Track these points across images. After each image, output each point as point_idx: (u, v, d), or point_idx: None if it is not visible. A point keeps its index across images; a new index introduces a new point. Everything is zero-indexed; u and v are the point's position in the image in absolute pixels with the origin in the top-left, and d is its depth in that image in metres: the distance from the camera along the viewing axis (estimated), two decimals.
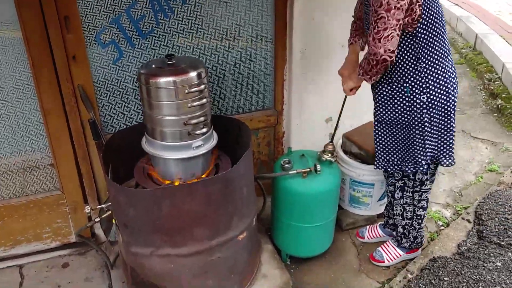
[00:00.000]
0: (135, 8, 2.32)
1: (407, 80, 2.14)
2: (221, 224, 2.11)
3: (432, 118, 2.17)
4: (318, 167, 2.37)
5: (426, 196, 2.44)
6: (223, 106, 2.77)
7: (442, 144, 2.26)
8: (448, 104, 2.16)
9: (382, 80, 2.23)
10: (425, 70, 2.10)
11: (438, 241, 2.69)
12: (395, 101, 2.21)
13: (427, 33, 2.04)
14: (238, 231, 2.19)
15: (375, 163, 2.46)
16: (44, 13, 2.15)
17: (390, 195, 2.56)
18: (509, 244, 2.66)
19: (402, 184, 2.47)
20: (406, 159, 2.32)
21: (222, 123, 2.34)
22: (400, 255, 2.64)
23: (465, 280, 2.40)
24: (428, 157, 2.25)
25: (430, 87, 2.12)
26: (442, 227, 2.93)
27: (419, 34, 2.03)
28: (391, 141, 2.35)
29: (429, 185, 2.43)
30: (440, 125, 2.21)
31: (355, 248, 2.81)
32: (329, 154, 2.47)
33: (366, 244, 2.83)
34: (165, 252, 2.07)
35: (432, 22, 2.03)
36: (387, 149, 2.39)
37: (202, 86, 1.98)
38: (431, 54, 2.09)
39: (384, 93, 2.23)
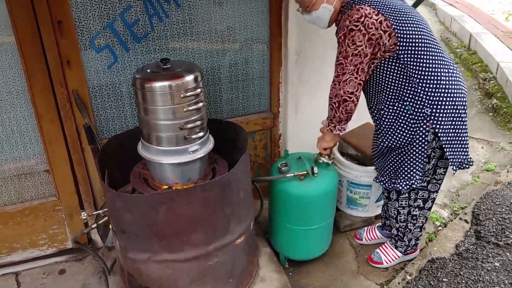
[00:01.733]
0: (129, 12, 2.31)
1: (406, 99, 2.12)
2: (218, 228, 2.09)
3: (443, 126, 2.11)
4: (315, 169, 2.36)
5: (422, 195, 2.43)
6: (219, 110, 2.76)
7: (459, 147, 2.20)
8: (457, 107, 2.11)
9: (382, 104, 2.21)
10: (420, 85, 2.08)
11: (436, 242, 2.69)
12: (401, 121, 2.17)
13: (409, 53, 2.04)
14: (235, 235, 2.18)
15: (376, 176, 2.48)
16: (37, 18, 2.13)
17: (385, 196, 2.56)
18: (507, 244, 2.66)
19: (396, 195, 2.46)
20: (398, 176, 2.31)
21: (218, 127, 2.33)
22: (399, 257, 2.63)
23: (463, 281, 2.40)
24: (421, 174, 2.23)
25: (432, 98, 2.08)
26: (440, 228, 2.93)
27: (401, 56, 2.04)
28: (387, 159, 2.35)
29: (430, 186, 2.41)
30: (454, 130, 2.14)
31: (353, 250, 2.81)
32: (326, 156, 2.47)
33: (364, 246, 2.82)
34: (162, 258, 2.06)
35: (411, 40, 2.02)
36: (382, 166, 2.40)
37: (198, 90, 1.97)
38: (420, 69, 2.06)
39: (387, 115, 2.21)
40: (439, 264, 2.50)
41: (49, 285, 2.58)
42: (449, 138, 2.14)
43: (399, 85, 2.11)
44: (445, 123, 2.11)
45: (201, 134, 2.04)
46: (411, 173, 2.24)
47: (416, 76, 2.07)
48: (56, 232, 2.67)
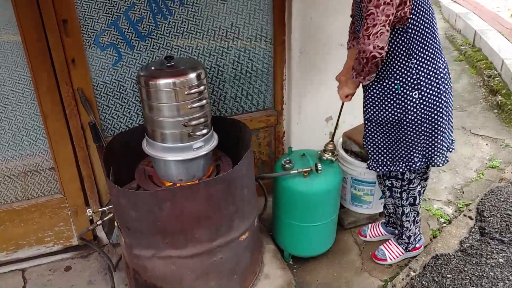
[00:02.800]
0: (133, 11, 2.32)
1: (397, 77, 2.12)
2: (222, 225, 2.11)
3: (423, 115, 2.14)
4: (319, 166, 2.37)
5: (414, 194, 2.43)
6: (223, 107, 2.77)
7: (433, 142, 2.22)
8: (440, 100, 2.14)
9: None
10: (416, 66, 2.08)
11: (441, 239, 2.69)
12: (386, 98, 2.17)
13: (418, 29, 2.03)
14: (240, 231, 2.19)
15: (368, 163, 2.43)
16: (42, 17, 2.15)
17: (382, 193, 2.57)
18: (511, 240, 2.66)
19: (390, 184, 2.46)
20: (397, 158, 2.30)
21: (222, 124, 2.34)
22: (403, 253, 2.64)
23: (468, 277, 2.40)
24: (420, 156, 2.24)
25: (422, 83, 2.10)
26: (444, 224, 2.93)
27: (410, 30, 2.02)
28: (381, 140, 2.32)
29: (419, 183, 2.42)
30: (431, 123, 2.17)
31: (357, 246, 2.81)
32: (330, 153, 2.47)
33: (368, 243, 2.83)
34: (167, 254, 2.07)
35: (423, 18, 2.02)
36: (377, 149, 2.36)
37: (202, 87, 1.98)
38: (422, 50, 2.07)
39: (374, 91, 2.20)
40: (443, 260, 2.51)
41: (55, 281, 2.60)
42: (422, 129, 2.18)
43: (397, 61, 2.09)
44: (425, 114, 2.13)
45: (205, 131, 2.06)
46: (410, 155, 2.24)
47: (416, 56, 2.07)
48: (61, 229, 2.69)
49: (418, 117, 2.14)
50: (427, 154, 2.25)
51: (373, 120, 2.27)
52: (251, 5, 2.55)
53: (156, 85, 1.92)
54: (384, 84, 2.16)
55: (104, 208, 2.22)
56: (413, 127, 2.17)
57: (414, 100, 2.11)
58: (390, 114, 2.19)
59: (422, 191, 2.52)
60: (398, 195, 2.45)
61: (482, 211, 2.91)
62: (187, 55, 2.54)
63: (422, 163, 2.27)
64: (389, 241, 2.71)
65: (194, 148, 2.06)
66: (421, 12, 2.01)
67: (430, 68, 2.10)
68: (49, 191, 2.61)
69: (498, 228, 2.75)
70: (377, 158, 2.37)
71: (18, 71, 2.26)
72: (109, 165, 2.17)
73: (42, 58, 2.23)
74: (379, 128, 2.29)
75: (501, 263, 2.50)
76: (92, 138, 2.41)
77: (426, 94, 2.11)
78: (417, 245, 2.65)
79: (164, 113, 1.97)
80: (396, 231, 2.66)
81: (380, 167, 2.38)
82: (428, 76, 2.10)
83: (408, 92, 2.11)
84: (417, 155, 2.24)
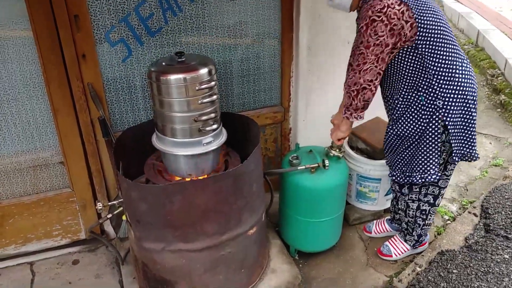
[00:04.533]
0: (143, 7, 2.34)
1: (419, 89, 2.15)
2: (231, 219, 2.13)
3: (452, 119, 2.13)
4: (326, 162, 2.39)
5: (433, 191, 2.44)
6: (230, 103, 2.80)
7: (466, 141, 2.22)
8: (467, 101, 2.13)
9: (397, 94, 2.23)
10: (435, 77, 2.09)
11: (446, 235, 2.71)
12: (413, 110, 2.20)
13: (428, 43, 2.04)
14: (248, 226, 2.21)
15: (393, 174, 2.45)
16: (54, 12, 2.17)
17: (396, 190, 2.57)
18: None
19: (408, 189, 2.48)
20: (415, 169, 2.31)
21: (230, 120, 2.36)
22: (408, 249, 2.66)
23: (473, 273, 2.43)
24: (437, 167, 2.24)
25: (445, 91, 2.10)
26: (449, 221, 2.96)
27: (419, 46, 2.04)
28: (402, 152, 2.34)
29: (441, 182, 2.42)
30: (462, 124, 2.17)
31: (363, 242, 2.84)
32: (337, 150, 2.50)
33: (374, 239, 2.85)
34: (176, 247, 2.10)
35: (431, 31, 2.03)
36: (399, 160, 2.37)
37: (213, 83, 2.00)
38: (437, 61, 2.08)
39: (402, 106, 2.23)
40: (449, 256, 2.53)
41: (63, 274, 2.62)
42: (456, 131, 2.17)
43: (415, 76, 2.13)
44: (455, 116, 2.13)
45: (215, 126, 2.08)
46: (427, 166, 2.26)
47: (431, 67, 2.08)
48: (70, 223, 2.71)
49: (440, 124, 2.14)
50: (460, 153, 2.23)
51: (402, 134, 2.28)
52: (259, 2, 2.57)
53: (167, 80, 1.94)
54: (409, 97, 2.19)
55: (114, 202, 2.24)
56: (435, 138, 2.18)
57: (438, 109, 2.12)
58: (417, 125, 2.21)
59: (443, 191, 2.48)
60: (417, 189, 2.44)
61: (486, 208, 2.93)
62: (196, 51, 2.56)
63: (438, 174, 2.27)
64: (394, 237, 2.73)
65: (204, 143, 2.08)
66: (428, 28, 2.02)
67: (449, 75, 2.09)
68: (58, 185, 2.63)
69: (503, 225, 2.77)
70: (395, 167, 2.41)
71: (30, 66, 2.28)
72: (119, 160, 2.20)
73: (53, 53, 2.25)
74: (403, 141, 2.30)
75: (506, 259, 2.52)
76: (101, 133, 2.43)
77: (450, 100, 2.10)
78: (423, 241, 2.68)
79: (174, 108, 2.00)
80: (402, 228, 2.68)
81: (398, 178, 2.41)
82: (450, 83, 2.09)
83: (432, 102, 2.13)
84: (434, 166, 2.25)
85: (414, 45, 2.04)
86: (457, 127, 2.17)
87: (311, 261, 2.71)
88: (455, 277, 2.37)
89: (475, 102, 2.19)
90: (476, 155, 2.29)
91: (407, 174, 2.36)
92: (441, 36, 2.06)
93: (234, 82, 2.75)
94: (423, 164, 2.27)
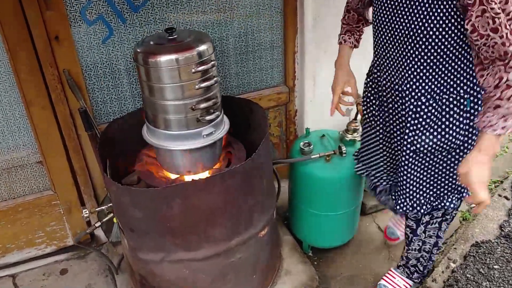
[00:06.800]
0: None
1: (466, 88, 1.55)
2: (241, 221, 1.84)
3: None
4: (344, 148, 2.10)
5: (451, 214, 1.93)
6: (228, 86, 2.48)
7: None
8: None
9: (420, 93, 1.60)
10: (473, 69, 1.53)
11: (477, 223, 2.44)
12: (451, 120, 1.60)
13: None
14: (259, 227, 1.93)
15: (402, 204, 1.82)
16: None
17: (410, 228, 2.00)
18: None
19: (429, 219, 1.91)
20: (450, 189, 1.78)
21: (228, 105, 2.04)
22: (410, 286, 2.19)
23: None
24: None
25: (479, 92, 1.57)
26: (473, 205, 2.70)
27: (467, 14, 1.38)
28: (425, 174, 1.75)
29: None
30: None
31: (382, 233, 2.57)
32: (354, 133, 2.20)
33: None
34: (178, 257, 1.82)
35: None
36: (419, 185, 1.77)
37: (210, 64, 1.69)
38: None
39: (429, 112, 1.61)
40: (486, 248, 2.25)
41: (50, 286, 2.34)
42: None
43: (462, 66, 1.53)
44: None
45: (215, 114, 1.78)
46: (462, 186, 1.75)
47: (470, 56, 1.52)
48: (54, 229, 2.42)
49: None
50: None
51: (424, 151, 1.68)
52: None
53: (156, 62, 1.63)
54: (446, 101, 1.59)
55: (103, 207, 1.94)
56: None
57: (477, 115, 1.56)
58: (453, 139, 1.64)
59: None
60: (437, 225, 1.93)
61: None
62: (186, 27, 2.23)
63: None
64: (391, 273, 2.22)
65: (204, 135, 1.78)
66: None
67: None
68: (37, 188, 2.33)
69: None
70: (418, 196, 1.80)
71: None
72: (105, 156, 1.89)
73: (20, 36, 1.92)
74: (427, 159, 1.71)
75: None
76: (84, 126, 2.11)
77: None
78: None
79: (167, 95, 1.69)
80: (409, 264, 2.14)
81: (423, 206, 1.82)
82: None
83: (476, 107, 1.58)
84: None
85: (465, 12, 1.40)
86: None
87: (327, 257, 2.45)
88: (498, 274, 2.10)
89: None
90: None
91: (436, 199, 1.80)
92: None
93: (231, 60, 2.43)
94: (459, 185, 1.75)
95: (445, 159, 1.70)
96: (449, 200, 1.79)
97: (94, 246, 2.46)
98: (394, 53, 1.63)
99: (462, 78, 1.55)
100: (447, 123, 1.61)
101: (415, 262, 2.11)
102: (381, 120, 1.84)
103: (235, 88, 2.52)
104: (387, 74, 1.71)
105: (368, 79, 1.87)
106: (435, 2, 1.42)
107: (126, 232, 1.83)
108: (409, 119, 1.65)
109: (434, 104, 1.60)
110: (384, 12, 1.60)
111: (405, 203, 1.81)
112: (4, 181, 2.24)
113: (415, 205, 1.81)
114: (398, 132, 1.76)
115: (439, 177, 1.75)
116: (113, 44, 2.13)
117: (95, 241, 2.53)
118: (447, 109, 1.60)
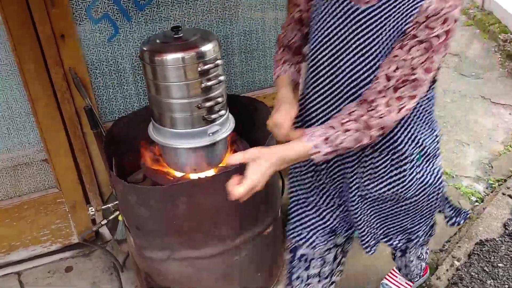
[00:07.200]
0: None
1: (418, 141, 1.42)
2: (246, 219, 1.85)
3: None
4: None
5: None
6: (233, 84, 2.48)
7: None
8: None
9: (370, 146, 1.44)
10: (435, 124, 1.48)
11: (481, 221, 2.44)
12: (396, 173, 1.45)
13: None
14: (264, 224, 1.94)
15: (365, 244, 1.68)
16: None
17: (399, 254, 2.01)
18: None
19: (404, 248, 1.89)
20: (421, 222, 1.67)
21: (233, 103, 2.04)
22: (411, 286, 2.21)
23: None
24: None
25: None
26: (477, 203, 2.70)
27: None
28: (383, 215, 1.63)
29: None
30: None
31: None
32: None
33: None
34: (184, 255, 1.83)
35: None
36: (375, 224, 1.65)
37: (218, 62, 1.69)
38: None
39: (377, 164, 1.46)
40: (490, 247, 2.26)
41: (55, 284, 2.36)
42: None
43: (416, 116, 1.41)
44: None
45: (221, 112, 1.78)
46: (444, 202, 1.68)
47: (430, 106, 1.45)
48: (59, 227, 2.42)
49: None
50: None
51: (373, 197, 1.55)
52: None
53: (163, 61, 1.63)
54: (393, 157, 1.43)
55: (109, 205, 1.95)
56: (434, 202, 1.60)
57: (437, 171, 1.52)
58: (406, 192, 1.51)
59: None
60: (420, 249, 1.95)
61: None
62: (191, 25, 2.23)
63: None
64: (394, 272, 2.26)
65: (210, 133, 1.78)
66: None
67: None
68: (43, 186, 2.33)
69: None
70: (392, 231, 1.69)
71: None
72: (111, 155, 1.90)
73: (26, 35, 1.92)
74: (380, 203, 1.59)
75: None
76: (89, 124, 2.12)
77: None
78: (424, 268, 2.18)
79: (173, 93, 1.69)
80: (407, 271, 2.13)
81: (401, 243, 1.72)
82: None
83: (431, 162, 1.49)
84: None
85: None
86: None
87: None
88: (502, 272, 2.10)
89: None
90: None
91: (430, 229, 1.73)
92: None
93: (236, 59, 2.43)
94: (426, 222, 1.67)
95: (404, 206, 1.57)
96: (421, 237, 1.69)
97: (99, 244, 2.46)
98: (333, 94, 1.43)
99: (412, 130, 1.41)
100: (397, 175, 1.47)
101: (412, 269, 2.07)
102: None
103: (239, 87, 2.52)
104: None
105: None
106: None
107: (132, 230, 1.84)
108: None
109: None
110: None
111: (400, 240, 1.70)
112: (9, 179, 2.25)
113: (396, 239, 1.69)
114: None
115: (396, 220, 1.63)
116: (119, 42, 2.13)
117: (100, 239, 2.53)
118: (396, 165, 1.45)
